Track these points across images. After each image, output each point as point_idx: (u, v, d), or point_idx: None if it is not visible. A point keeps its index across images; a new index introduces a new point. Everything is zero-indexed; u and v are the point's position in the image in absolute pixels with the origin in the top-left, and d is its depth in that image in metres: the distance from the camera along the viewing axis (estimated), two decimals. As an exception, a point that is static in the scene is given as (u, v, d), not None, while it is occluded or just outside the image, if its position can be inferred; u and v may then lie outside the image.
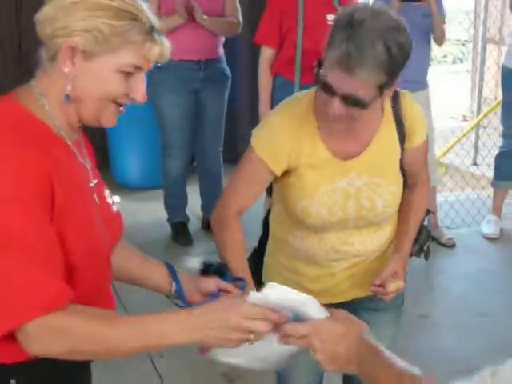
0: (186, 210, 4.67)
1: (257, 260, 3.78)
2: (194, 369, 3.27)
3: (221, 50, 4.38)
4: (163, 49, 1.40)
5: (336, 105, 1.69)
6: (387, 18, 1.67)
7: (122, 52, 1.36)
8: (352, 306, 1.99)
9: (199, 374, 3.23)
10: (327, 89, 1.70)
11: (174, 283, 1.65)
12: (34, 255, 1.27)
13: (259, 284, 3.46)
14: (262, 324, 1.34)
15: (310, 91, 1.88)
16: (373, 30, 1.63)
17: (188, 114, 4.31)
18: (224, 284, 1.66)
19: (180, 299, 1.65)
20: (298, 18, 3.83)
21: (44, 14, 1.38)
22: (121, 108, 1.43)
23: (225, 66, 4.41)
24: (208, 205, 4.72)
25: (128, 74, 1.38)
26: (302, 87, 3.82)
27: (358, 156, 1.87)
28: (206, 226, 4.74)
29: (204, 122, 4.42)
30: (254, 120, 4.15)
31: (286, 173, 1.87)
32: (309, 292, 1.96)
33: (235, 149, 5.88)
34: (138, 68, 1.39)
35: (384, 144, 1.90)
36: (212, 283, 1.65)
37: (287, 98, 1.93)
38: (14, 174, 1.27)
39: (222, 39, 4.37)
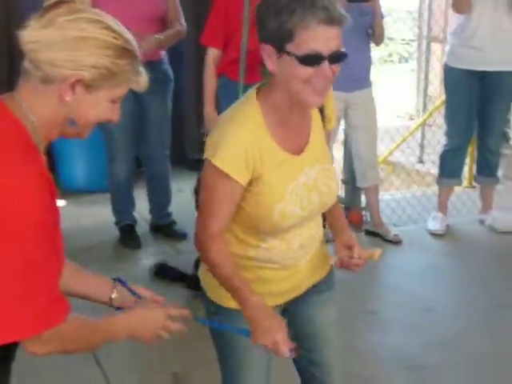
0: (134, 213, 4.63)
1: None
2: (142, 369, 3.24)
3: (162, 52, 4.34)
4: (146, 80, 1.57)
5: (327, 68, 1.73)
6: None
7: (120, 87, 1.52)
8: (312, 292, 2.09)
9: (147, 374, 3.21)
10: (314, 58, 1.72)
11: (114, 292, 1.83)
12: (47, 273, 1.48)
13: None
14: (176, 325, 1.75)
15: (250, 95, 1.88)
16: None
17: (131, 117, 4.23)
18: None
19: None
20: (243, 19, 3.83)
21: (44, 37, 1.44)
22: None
23: (167, 67, 4.38)
24: (156, 208, 4.70)
25: (115, 101, 1.54)
26: (247, 87, 3.82)
27: (306, 147, 1.92)
28: (155, 228, 4.73)
29: (148, 125, 4.38)
30: (201, 121, 4.15)
31: (250, 183, 1.85)
32: (277, 295, 2.01)
33: (183, 151, 5.87)
34: (121, 96, 1.55)
35: (318, 129, 1.96)
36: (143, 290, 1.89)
37: (231, 106, 1.91)
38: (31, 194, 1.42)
39: None
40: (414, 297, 3.96)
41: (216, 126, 1.89)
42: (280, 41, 1.73)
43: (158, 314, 1.72)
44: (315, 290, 2.10)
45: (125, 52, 1.49)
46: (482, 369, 3.25)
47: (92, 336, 1.62)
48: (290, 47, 1.72)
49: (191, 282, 3.88)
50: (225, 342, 2.03)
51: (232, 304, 1.94)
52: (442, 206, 4.89)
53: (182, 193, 5.25)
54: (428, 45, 6.83)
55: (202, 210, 1.91)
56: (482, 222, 4.97)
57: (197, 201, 3.68)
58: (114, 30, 1.48)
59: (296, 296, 2.07)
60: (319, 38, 1.70)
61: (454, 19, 4.68)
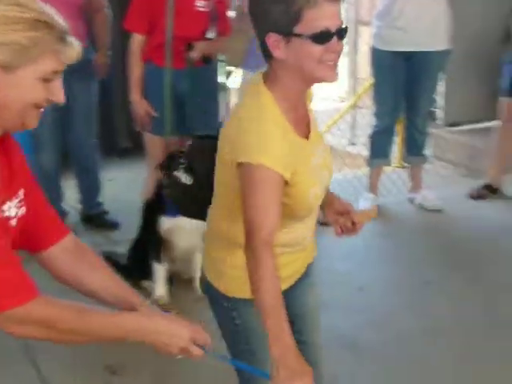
0: (65, 204, 4.56)
1: (140, 250, 3.78)
2: (76, 364, 3.20)
3: (85, 39, 4.24)
4: (77, 50, 1.48)
5: (336, 43, 1.76)
6: None
7: (43, 61, 1.42)
8: (302, 276, 2.11)
9: (82, 367, 3.17)
10: (325, 35, 1.73)
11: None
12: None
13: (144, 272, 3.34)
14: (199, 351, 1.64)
15: (259, 87, 1.84)
16: None
17: (55, 105, 4.16)
18: None
19: None
20: (167, 4, 3.80)
21: None
22: (41, 109, 1.50)
23: (91, 54, 4.29)
24: (86, 198, 4.64)
25: (48, 79, 1.44)
26: (173, 72, 3.81)
27: (310, 130, 1.94)
28: (86, 219, 4.66)
29: (74, 114, 4.30)
30: (130, 108, 4.10)
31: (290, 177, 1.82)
32: (287, 278, 2.00)
33: (113, 139, 5.80)
34: (56, 72, 1.46)
35: (310, 110, 1.99)
36: None
37: (242, 102, 1.89)
38: None
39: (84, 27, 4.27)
40: (347, 277, 4.01)
41: (239, 127, 1.81)
42: (287, 25, 1.73)
43: (182, 334, 1.61)
44: (305, 273, 2.13)
45: (37, 24, 1.41)
46: (410, 346, 3.32)
47: (92, 329, 1.54)
48: (298, 29, 1.72)
49: (125, 272, 3.86)
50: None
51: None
52: (373, 187, 4.96)
53: (113, 182, 5.18)
54: (355, 28, 6.89)
55: (250, 212, 1.77)
56: (411, 200, 5.05)
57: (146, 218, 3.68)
58: (20, 5, 1.41)
59: (295, 281, 2.08)
60: (326, 14, 1.72)
61: (380, 1, 4.72)
